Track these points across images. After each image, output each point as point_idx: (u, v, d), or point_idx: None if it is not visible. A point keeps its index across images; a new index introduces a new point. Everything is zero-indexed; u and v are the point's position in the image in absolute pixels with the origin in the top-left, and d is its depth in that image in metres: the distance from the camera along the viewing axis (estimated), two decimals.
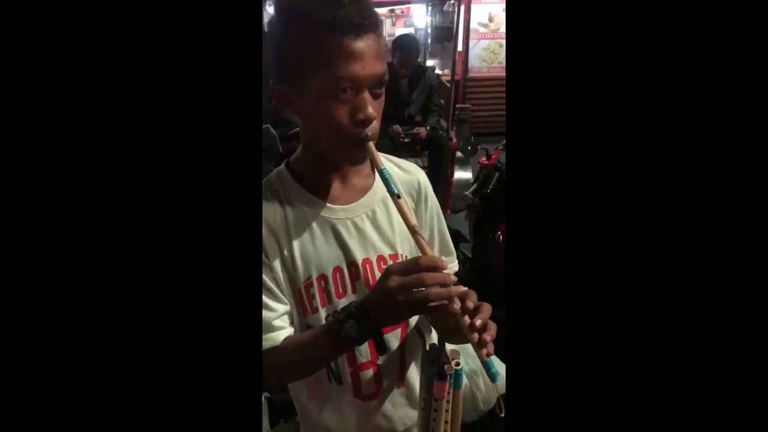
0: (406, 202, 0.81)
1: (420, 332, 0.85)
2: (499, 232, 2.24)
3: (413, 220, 0.65)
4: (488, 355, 0.61)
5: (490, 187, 2.32)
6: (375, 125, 0.68)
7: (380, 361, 0.81)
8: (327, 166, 0.77)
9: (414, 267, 0.61)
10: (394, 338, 0.81)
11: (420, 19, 6.99)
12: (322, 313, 0.76)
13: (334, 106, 0.65)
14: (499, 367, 0.86)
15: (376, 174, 0.76)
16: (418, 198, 0.84)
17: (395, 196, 0.66)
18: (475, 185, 2.50)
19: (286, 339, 0.72)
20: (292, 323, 0.76)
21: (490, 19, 5.68)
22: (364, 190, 0.80)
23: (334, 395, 0.82)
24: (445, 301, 0.61)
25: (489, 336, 0.60)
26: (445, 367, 0.65)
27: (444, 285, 0.61)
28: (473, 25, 5.40)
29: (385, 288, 0.61)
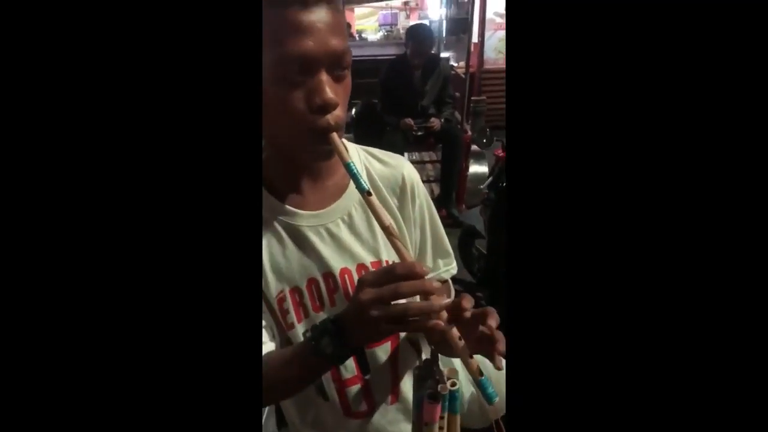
0: (387, 199, 0.73)
1: (413, 342, 0.76)
2: None
3: (387, 220, 0.56)
4: (499, 366, 0.52)
5: (506, 180, 2.20)
6: (338, 113, 0.59)
7: (368, 375, 0.72)
8: (293, 166, 0.68)
9: (388, 276, 0.52)
10: (382, 352, 0.73)
11: (435, 11, 6.89)
12: (299, 328, 0.68)
13: (286, 90, 0.56)
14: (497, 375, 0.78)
15: None
16: (402, 194, 0.74)
17: (365, 193, 0.57)
18: (490, 178, 2.38)
19: (265, 355, 0.64)
20: (273, 337, 0.69)
21: None
22: (339, 192, 0.70)
23: (322, 412, 0.74)
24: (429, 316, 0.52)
25: (501, 345, 0.53)
26: (439, 387, 0.55)
27: (426, 295, 0.52)
28: (489, 15, 5.23)
29: (358, 302, 0.52)
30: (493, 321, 0.56)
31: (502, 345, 0.55)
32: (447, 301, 0.54)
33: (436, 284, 0.54)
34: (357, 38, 8.29)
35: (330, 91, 0.56)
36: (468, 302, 0.56)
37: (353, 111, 3.89)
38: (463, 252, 2.68)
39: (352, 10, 8.99)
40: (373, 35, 9.31)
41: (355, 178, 0.57)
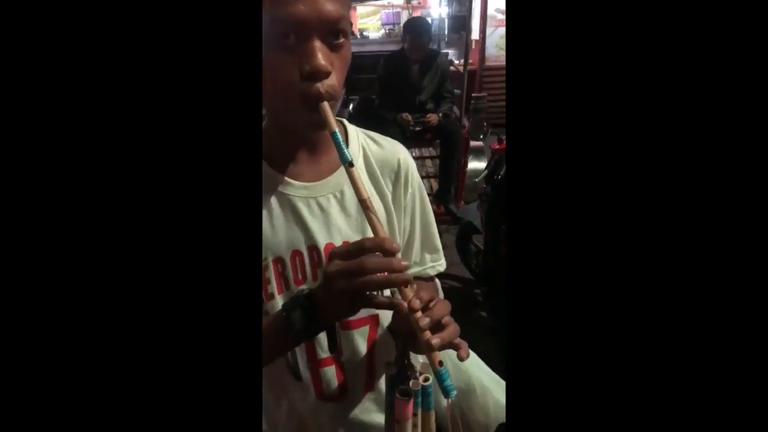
0: (380, 182, 0.71)
1: (394, 332, 0.71)
2: None
3: (365, 194, 0.54)
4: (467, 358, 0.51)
5: (502, 173, 2.14)
6: (331, 82, 0.56)
7: (344, 358, 0.69)
8: (288, 135, 0.66)
9: (357, 250, 0.51)
10: (360, 336, 0.70)
11: (437, 9, 6.85)
12: (279, 300, 0.66)
13: (277, 56, 0.54)
14: (497, 385, 0.73)
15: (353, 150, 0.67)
16: (396, 179, 0.72)
17: (347, 164, 0.54)
18: (486, 171, 2.32)
19: None
20: None
21: None
22: (334, 167, 0.68)
23: (294, 393, 0.71)
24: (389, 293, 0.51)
25: (438, 339, 0.49)
26: (411, 382, 0.50)
27: (392, 272, 0.50)
28: (490, 11, 5.17)
29: (326, 274, 0.51)
30: (437, 312, 0.51)
31: (448, 335, 0.50)
32: (408, 276, 0.51)
33: (402, 263, 0.51)
34: (359, 36, 8.25)
35: (322, 58, 0.54)
36: (427, 294, 0.52)
37: (351, 107, 3.84)
38: (461, 248, 2.63)
39: (355, 9, 8.96)
40: (376, 33, 9.28)
41: (338, 147, 0.54)
